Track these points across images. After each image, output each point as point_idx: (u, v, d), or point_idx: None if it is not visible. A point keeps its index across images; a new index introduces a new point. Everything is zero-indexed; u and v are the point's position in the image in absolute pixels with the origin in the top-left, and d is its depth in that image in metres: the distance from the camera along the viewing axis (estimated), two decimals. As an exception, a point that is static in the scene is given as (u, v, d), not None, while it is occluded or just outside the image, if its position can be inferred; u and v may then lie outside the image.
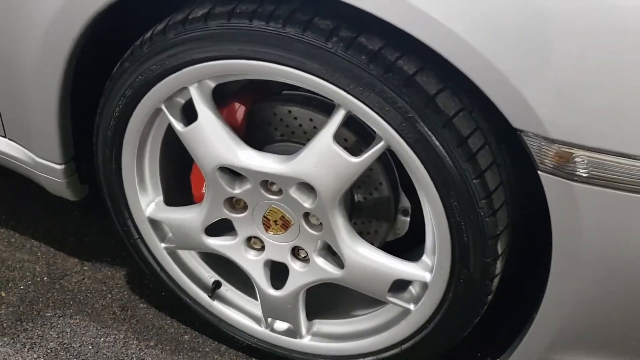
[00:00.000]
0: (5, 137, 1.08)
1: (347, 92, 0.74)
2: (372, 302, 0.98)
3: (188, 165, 0.99)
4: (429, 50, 0.68)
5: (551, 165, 0.68)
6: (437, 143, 0.74)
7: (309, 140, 0.87)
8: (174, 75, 0.84)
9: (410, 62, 0.73)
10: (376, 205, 0.92)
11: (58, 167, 1.04)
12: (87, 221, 1.31)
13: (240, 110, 0.91)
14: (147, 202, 1.01)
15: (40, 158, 1.05)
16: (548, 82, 0.65)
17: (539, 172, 0.70)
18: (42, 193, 1.17)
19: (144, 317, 1.14)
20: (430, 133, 0.73)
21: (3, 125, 1.06)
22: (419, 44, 0.69)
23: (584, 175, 0.68)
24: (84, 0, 0.82)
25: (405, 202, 0.93)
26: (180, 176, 1.02)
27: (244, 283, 1.05)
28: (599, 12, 0.63)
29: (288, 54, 0.75)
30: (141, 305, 1.16)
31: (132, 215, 1.02)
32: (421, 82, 0.72)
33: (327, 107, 0.85)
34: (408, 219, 0.94)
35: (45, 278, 1.20)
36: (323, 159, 0.81)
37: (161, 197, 1.02)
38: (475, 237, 0.78)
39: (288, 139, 0.92)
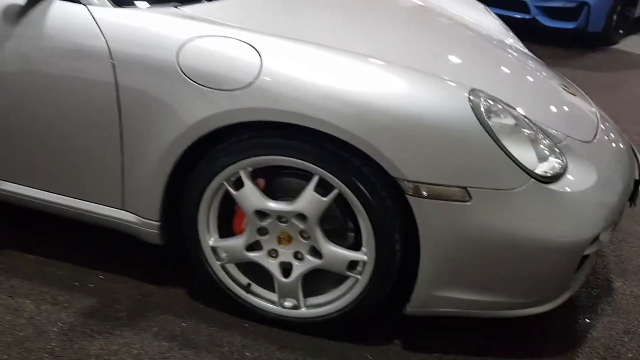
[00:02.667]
0: (122, 209, 1.86)
1: (321, 168, 1.60)
2: (337, 281, 1.78)
3: (230, 215, 1.81)
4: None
5: (411, 192, 1.55)
6: (363, 188, 1.60)
7: (297, 193, 1.70)
8: (232, 166, 1.67)
9: (347, 151, 1.60)
10: (336, 229, 1.75)
11: (156, 223, 1.83)
12: (151, 259, 2.07)
13: (262, 182, 1.75)
14: (210, 237, 1.81)
15: (144, 218, 1.83)
16: (405, 159, 1.53)
17: (406, 195, 1.56)
18: (115, 245, 1.94)
19: (204, 311, 1.89)
20: (359, 183, 1.59)
21: (123, 200, 1.84)
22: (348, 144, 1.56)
23: (425, 195, 1.55)
24: (188, 135, 1.66)
25: (350, 225, 1.76)
26: (224, 221, 1.82)
27: (264, 282, 1.84)
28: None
29: (294, 153, 1.60)
30: (201, 306, 1.91)
31: (202, 247, 1.82)
32: (353, 162, 1.59)
33: (304, 176, 1.69)
34: (353, 234, 1.77)
35: (139, 297, 1.94)
36: (309, 200, 1.65)
37: (217, 234, 1.82)
38: (385, 231, 1.63)
39: (285, 194, 1.74)
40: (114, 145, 1.75)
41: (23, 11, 1.74)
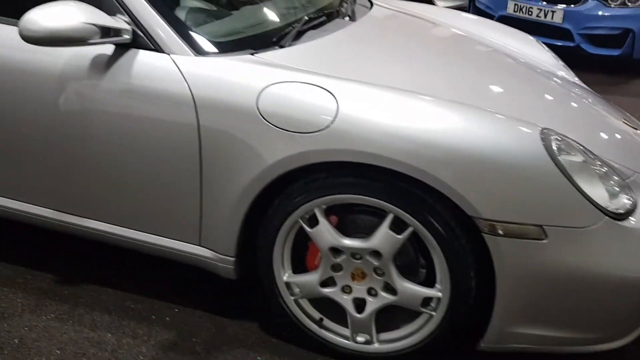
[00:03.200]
0: (199, 245, 1.94)
1: (397, 207, 1.65)
2: (411, 316, 1.82)
3: (302, 250, 1.86)
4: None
5: (487, 230, 1.59)
6: (438, 226, 1.64)
7: (369, 229, 1.75)
8: (308, 204, 1.74)
9: (421, 190, 1.64)
10: (408, 265, 1.79)
11: (232, 258, 1.90)
12: (222, 292, 2.13)
13: (334, 219, 1.81)
14: (284, 273, 1.87)
15: (221, 254, 1.91)
16: (481, 198, 1.57)
17: (482, 233, 1.60)
18: (187, 278, 2.01)
19: (277, 344, 1.94)
20: (434, 221, 1.64)
21: (200, 237, 1.92)
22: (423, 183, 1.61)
23: (501, 233, 1.58)
24: (266, 175, 1.73)
25: (422, 261, 1.80)
26: (296, 255, 1.88)
27: (336, 317, 1.88)
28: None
29: (369, 192, 1.67)
30: (273, 340, 1.97)
31: (276, 282, 1.88)
32: (428, 200, 1.64)
33: (376, 213, 1.74)
34: (425, 270, 1.81)
35: (213, 330, 2.01)
36: (384, 237, 1.70)
37: (291, 270, 1.88)
38: (460, 269, 1.66)
39: (357, 231, 1.80)
40: (194, 184, 1.84)
41: (111, 60, 1.86)
